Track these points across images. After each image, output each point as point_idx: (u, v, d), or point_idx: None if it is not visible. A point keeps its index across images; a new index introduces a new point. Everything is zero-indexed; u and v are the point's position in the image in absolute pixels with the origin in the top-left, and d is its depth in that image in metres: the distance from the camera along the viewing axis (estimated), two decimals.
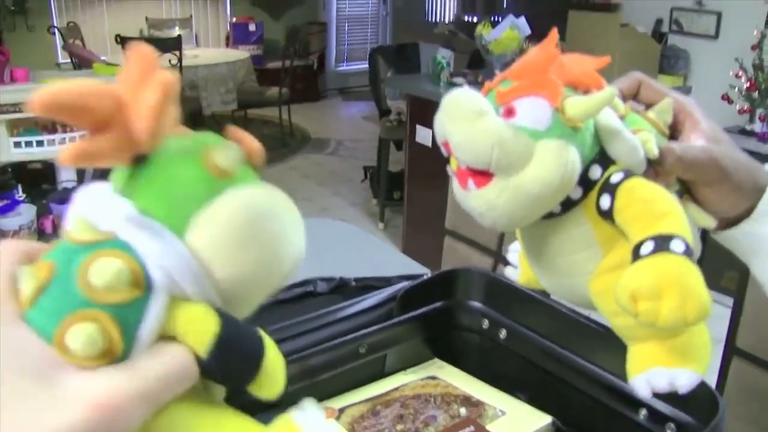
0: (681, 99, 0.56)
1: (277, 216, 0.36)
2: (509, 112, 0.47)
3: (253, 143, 0.37)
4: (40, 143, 2.68)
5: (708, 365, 0.49)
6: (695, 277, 0.43)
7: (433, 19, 8.09)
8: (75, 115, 0.32)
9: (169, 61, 4.82)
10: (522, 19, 3.21)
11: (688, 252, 0.44)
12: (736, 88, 3.12)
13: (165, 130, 0.34)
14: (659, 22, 3.88)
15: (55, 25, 5.94)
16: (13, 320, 0.31)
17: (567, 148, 0.46)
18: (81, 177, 2.94)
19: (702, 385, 0.53)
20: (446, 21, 7.73)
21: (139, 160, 0.34)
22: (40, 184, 2.99)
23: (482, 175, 0.47)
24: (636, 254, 0.45)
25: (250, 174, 0.37)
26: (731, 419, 0.56)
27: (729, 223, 0.56)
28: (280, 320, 0.71)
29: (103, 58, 4.87)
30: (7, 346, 0.30)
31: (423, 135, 3.23)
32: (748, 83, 3.07)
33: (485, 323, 0.79)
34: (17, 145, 2.70)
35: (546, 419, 0.69)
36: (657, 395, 0.49)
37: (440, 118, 0.49)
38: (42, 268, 0.32)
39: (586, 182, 0.49)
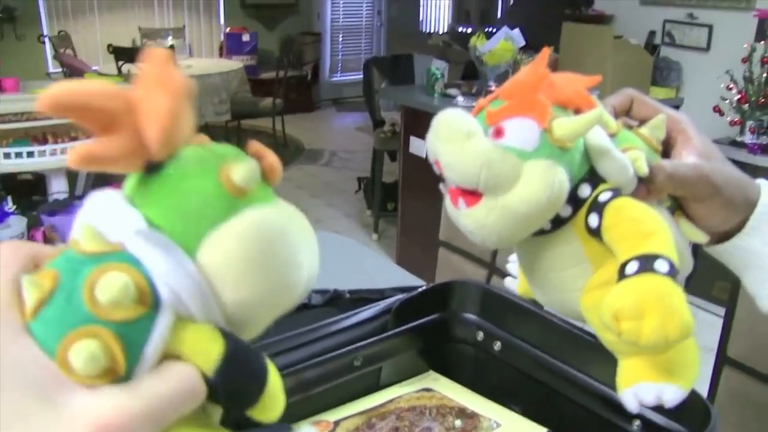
0: (674, 115, 0.57)
1: (291, 240, 0.35)
2: (498, 133, 0.48)
3: (273, 160, 0.36)
4: (30, 154, 2.67)
5: (695, 380, 0.50)
6: (678, 296, 0.44)
7: (428, 30, 8.13)
8: (83, 115, 0.31)
9: None
10: (516, 31, 3.23)
11: (672, 272, 0.45)
12: (727, 100, 3.15)
13: (180, 137, 0.33)
14: (652, 34, 3.90)
15: (45, 33, 5.91)
16: (15, 332, 0.30)
17: (555, 168, 0.47)
18: (72, 188, 2.93)
19: (694, 395, 0.53)
20: (440, 32, 7.77)
21: (153, 169, 0.33)
22: (31, 196, 2.98)
23: (472, 194, 0.48)
24: (621, 274, 0.46)
25: (268, 192, 0.36)
26: (723, 428, 0.56)
27: (721, 237, 0.56)
28: (274, 333, 0.71)
29: (95, 67, 4.87)
30: (9, 360, 0.28)
31: (417, 146, 3.24)
32: (739, 95, 3.10)
33: (480, 335, 0.79)
34: (7, 156, 2.67)
35: (541, 431, 0.69)
36: (648, 406, 0.50)
37: (431, 139, 0.50)
38: (46, 278, 0.30)
39: (575, 200, 0.50)
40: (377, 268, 1.45)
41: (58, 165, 2.76)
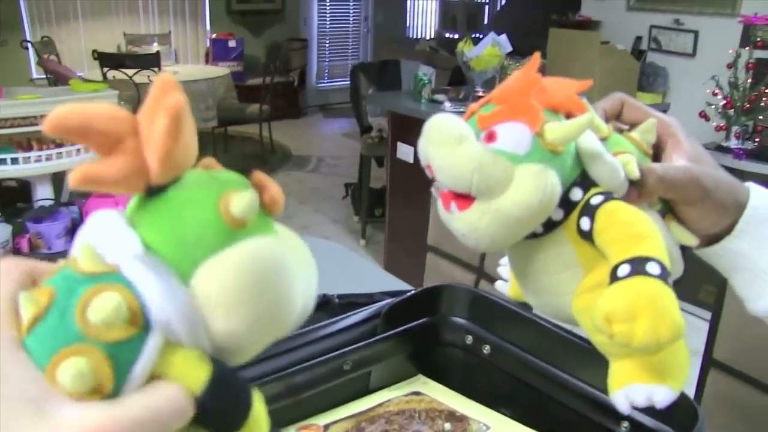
0: (664, 119, 0.57)
1: (286, 273, 0.35)
2: (490, 137, 0.48)
3: (276, 192, 0.36)
4: (15, 161, 2.65)
5: (685, 382, 0.51)
6: (669, 299, 0.45)
7: (415, 36, 8.15)
8: (87, 137, 0.32)
9: (148, 77, 4.80)
10: (503, 37, 3.24)
11: (663, 275, 0.45)
12: (713, 106, 3.17)
13: (182, 161, 0.33)
14: (638, 39, 3.94)
15: (28, 39, 5.85)
16: (11, 347, 0.30)
17: (546, 172, 0.47)
18: (58, 195, 2.91)
19: (682, 397, 0.54)
20: (427, 38, 7.80)
21: (154, 191, 0.33)
22: (16, 203, 2.96)
23: (464, 198, 0.49)
24: (613, 276, 0.46)
25: (268, 222, 0.36)
26: (709, 429, 0.57)
27: (711, 239, 0.57)
28: None
29: (79, 74, 4.83)
30: (3, 374, 0.29)
31: (404, 151, 3.24)
32: (725, 101, 3.13)
33: (469, 339, 0.79)
34: None
35: None
36: (638, 408, 0.50)
37: (423, 143, 0.50)
38: (43, 294, 0.31)
39: (567, 204, 0.50)
40: (365, 274, 1.45)
41: (43, 171, 2.75)
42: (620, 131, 0.57)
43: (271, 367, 0.68)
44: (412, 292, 0.83)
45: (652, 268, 0.45)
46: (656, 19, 3.87)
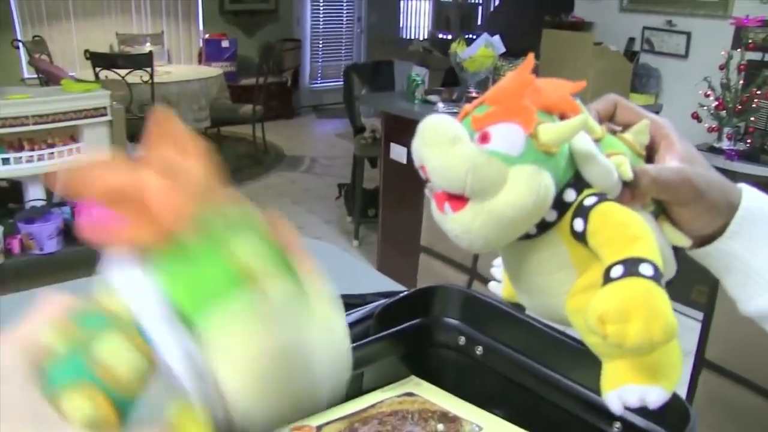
0: (657, 120, 0.57)
1: (306, 359, 0.36)
2: (484, 138, 0.48)
3: (291, 235, 0.38)
4: (6, 161, 2.64)
5: (678, 382, 0.51)
6: (662, 300, 0.45)
7: (408, 37, 8.15)
8: (100, 199, 0.34)
9: (141, 77, 4.79)
10: (496, 38, 3.24)
11: (656, 276, 0.45)
12: (705, 107, 3.18)
13: (193, 210, 0.34)
14: (631, 41, 3.95)
15: (20, 39, 5.82)
16: (29, 375, 0.32)
17: (540, 173, 0.48)
18: (50, 195, 2.90)
19: (674, 397, 0.54)
20: (421, 38, 7.79)
21: (171, 240, 0.35)
22: (7, 203, 2.94)
23: (458, 199, 0.49)
24: (606, 277, 0.46)
25: (285, 267, 0.37)
26: (700, 429, 0.57)
27: (703, 240, 0.57)
28: None
29: (71, 73, 4.81)
30: (19, 398, 0.31)
31: (398, 152, 3.24)
32: (717, 102, 3.14)
33: (462, 340, 0.79)
34: None
35: None
36: (631, 408, 0.50)
37: (416, 144, 0.50)
38: (68, 329, 0.33)
39: (560, 205, 0.50)
40: (358, 274, 1.45)
41: (34, 172, 2.73)
42: (613, 132, 0.57)
43: None
44: (405, 293, 0.82)
45: (645, 269, 0.45)
46: (649, 20, 3.88)
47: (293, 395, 0.37)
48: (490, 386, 0.76)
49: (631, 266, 0.46)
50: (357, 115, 4.45)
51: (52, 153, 2.74)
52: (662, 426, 0.62)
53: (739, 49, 3.15)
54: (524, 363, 0.73)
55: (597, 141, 0.52)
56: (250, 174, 5.45)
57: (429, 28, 8.24)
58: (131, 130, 3.07)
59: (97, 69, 4.76)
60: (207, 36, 7.01)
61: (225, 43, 6.88)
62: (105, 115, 2.83)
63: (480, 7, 7.86)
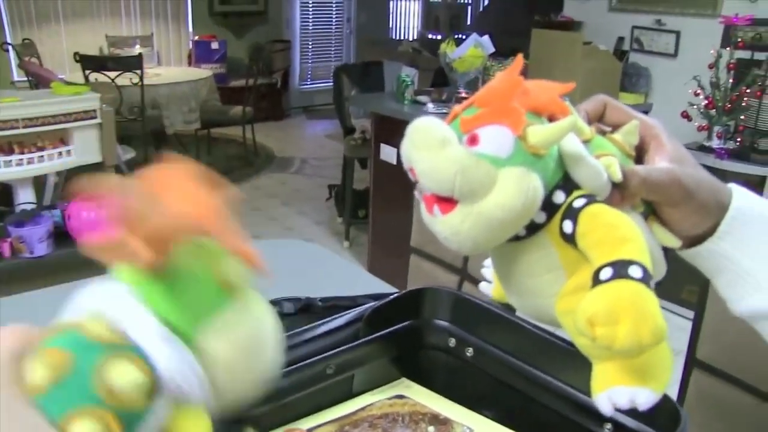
0: (647, 120, 0.57)
1: (271, 335, 0.41)
2: (473, 140, 0.48)
3: (254, 256, 0.40)
4: None
5: (667, 384, 0.51)
6: (651, 302, 0.45)
7: (397, 37, 8.15)
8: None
9: (130, 80, 4.77)
10: (486, 38, 3.25)
11: (645, 278, 0.45)
12: (695, 106, 3.20)
13: (176, 244, 0.37)
14: (620, 40, 3.96)
15: (9, 41, 5.79)
16: (23, 403, 0.33)
17: (529, 175, 0.47)
18: (40, 198, 2.88)
19: (665, 398, 0.54)
20: (410, 39, 7.80)
21: (157, 267, 0.37)
22: None
23: (447, 201, 0.49)
24: (595, 279, 0.46)
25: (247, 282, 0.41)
26: (691, 428, 0.57)
27: (694, 241, 0.57)
28: None
29: (61, 76, 4.78)
30: (18, 424, 0.32)
31: (388, 153, 3.24)
32: (706, 101, 3.15)
33: (452, 342, 0.79)
34: None
35: None
36: (621, 410, 0.50)
37: (406, 146, 0.50)
38: (56, 358, 0.34)
39: (549, 207, 0.50)
40: (349, 276, 1.45)
41: (24, 175, 2.72)
42: (603, 133, 0.57)
43: None
44: (395, 295, 0.82)
45: (635, 271, 0.45)
46: (638, 19, 3.90)
47: (260, 377, 0.41)
48: (481, 388, 0.76)
49: (620, 268, 0.46)
50: (347, 116, 4.44)
51: (42, 156, 2.73)
52: (653, 427, 0.62)
53: (728, 48, 3.16)
54: (514, 364, 0.73)
55: (586, 142, 0.52)
56: (240, 175, 5.44)
57: (418, 28, 8.24)
58: (121, 133, 3.05)
59: (87, 71, 4.73)
60: (196, 38, 6.99)
61: (214, 45, 6.86)
62: (95, 117, 2.81)
63: (469, 8, 7.87)
